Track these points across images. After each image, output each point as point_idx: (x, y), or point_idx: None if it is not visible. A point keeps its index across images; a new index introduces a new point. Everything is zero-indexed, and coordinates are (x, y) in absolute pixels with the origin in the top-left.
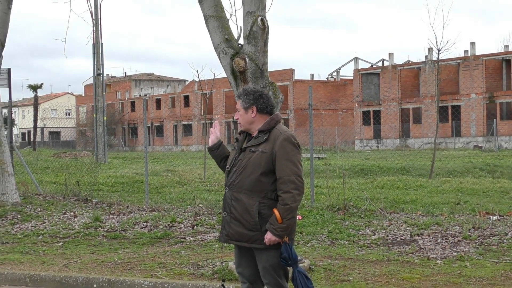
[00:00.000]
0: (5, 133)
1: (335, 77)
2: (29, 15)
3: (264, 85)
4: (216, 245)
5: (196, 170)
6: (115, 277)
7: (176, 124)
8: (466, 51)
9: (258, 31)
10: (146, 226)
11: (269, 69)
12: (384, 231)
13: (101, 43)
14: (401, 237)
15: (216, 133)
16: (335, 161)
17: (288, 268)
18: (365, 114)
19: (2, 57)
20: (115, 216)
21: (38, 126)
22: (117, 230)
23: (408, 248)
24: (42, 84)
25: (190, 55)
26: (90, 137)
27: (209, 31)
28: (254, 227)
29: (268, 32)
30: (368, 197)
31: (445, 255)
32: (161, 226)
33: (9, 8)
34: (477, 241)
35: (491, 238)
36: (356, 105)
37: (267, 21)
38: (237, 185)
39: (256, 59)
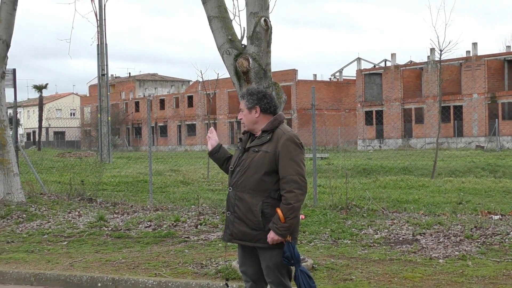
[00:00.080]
0: (11, 133)
1: (337, 77)
2: (34, 15)
3: (267, 85)
4: (220, 244)
5: (200, 169)
6: (119, 276)
7: (180, 124)
8: (468, 52)
9: (261, 32)
10: (150, 225)
11: (272, 70)
12: (386, 230)
13: (106, 44)
14: (404, 237)
15: (213, 140)
16: (337, 161)
17: (291, 267)
18: (368, 114)
19: (8, 58)
20: (119, 216)
21: (43, 126)
22: (121, 229)
23: (411, 248)
24: (47, 84)
25: (194, 55)
26: (95, 137)
27: (212, 31)
28: (258, 226)
29: (271, 32)
30: (371, 197)
31: (447, 254)
32: (165, 226)
33: (14, 9)
34: (479, 240)
35: (493, 237)
36: (359, 105)
37: (270, 21)
38: (241, 184)
39: (260, 59)
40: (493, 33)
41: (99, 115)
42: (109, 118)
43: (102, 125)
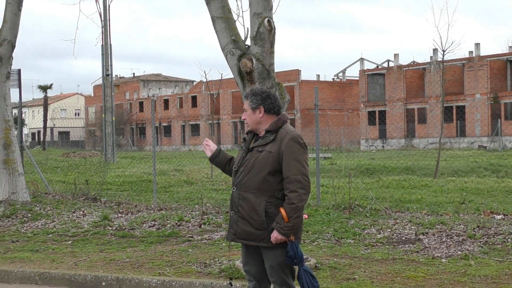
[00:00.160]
0: (16, 133)
1: (341, 77)
2: (39, 16)
3: (271, 85)
4: (223, 244)
5: (204, 169)
6: (123, 275)
7: (183, 124)
8: (470, 52)
9: (264, 32)
10: (154, 225)
11: (276, 70)
12: (389, 230)
13: (110, 44)
14: (406, 236)
15: (211, 146)
16: (340, 161)
17: (294, 266)
18: (371, 114)
19: (13, 58)
20: (123, 215)
21: (47, 126)
22: (125, 228)
23: (413, 247)
24: (51, 84)
25: (198, 55)
26: (99, 137)
27: (216, 32)
28: (261, 226)
29: (274, 33)
30: (374, 197)
31: (450, 254)
32: (168, 225)
33: (19, 10)
34: (481, 240)
35: (495, 237)
36: (362, 105)
37: (273, 22)
38: (245, 184)
39: (263, 59)
40: (495, 33)
41: (103, 115)
42: (114, 118)
43: (107, 125)
